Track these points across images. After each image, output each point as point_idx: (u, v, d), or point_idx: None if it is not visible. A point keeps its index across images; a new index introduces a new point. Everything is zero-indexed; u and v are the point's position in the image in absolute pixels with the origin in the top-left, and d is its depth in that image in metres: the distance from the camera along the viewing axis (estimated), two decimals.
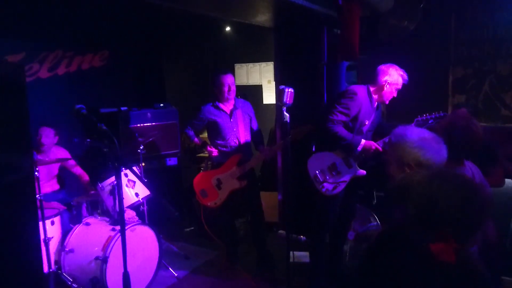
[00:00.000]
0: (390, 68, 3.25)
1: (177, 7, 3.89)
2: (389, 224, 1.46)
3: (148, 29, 5.85)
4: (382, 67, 3.29)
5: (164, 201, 3.77)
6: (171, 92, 6.35)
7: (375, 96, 3.32)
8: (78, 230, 3.44)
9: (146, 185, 3.11)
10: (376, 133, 3.49)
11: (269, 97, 5.83)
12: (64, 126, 4.40)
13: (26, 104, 1.23)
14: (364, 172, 3.36)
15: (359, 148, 3.27)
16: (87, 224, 3.49)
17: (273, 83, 5.52)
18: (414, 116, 3.19)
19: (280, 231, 4.75)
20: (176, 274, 3.81)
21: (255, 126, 4.06)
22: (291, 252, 3.03)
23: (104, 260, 3.14)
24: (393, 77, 3.23)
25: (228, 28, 5.88)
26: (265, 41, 5.48)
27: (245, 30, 5.53)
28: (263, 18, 4.41)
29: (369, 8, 4.19)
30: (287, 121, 2.80)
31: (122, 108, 4.83)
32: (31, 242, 1.26)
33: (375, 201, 4.35)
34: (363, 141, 3.29)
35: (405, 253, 1.15)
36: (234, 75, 5.58)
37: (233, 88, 3.84)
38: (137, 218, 3.83)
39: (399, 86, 3.27)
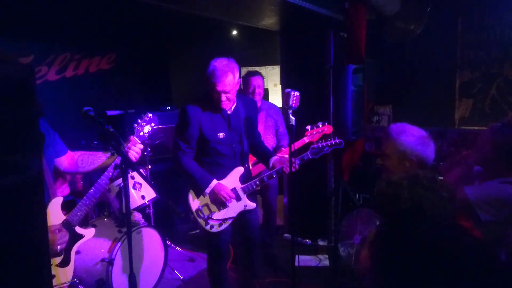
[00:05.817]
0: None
1: (184, 10, 3.92)
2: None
3: (155, 32, 5.89)
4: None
5: (170, 203, 3.76)
6: (177, 95, 6.37)
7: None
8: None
9: (153, 187, 3.11)
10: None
11: (275, 100, 5.84)
12: (72, 128, 4.43)
13: (35, 103, 1.24)
14: (254, 204, 2.91)
15: (207, 191, 2.76)
16: (94, 226, 3.50)
17: (279, 87, 5.53)
18: (420, 119, 3.15)
19: (286, 235, 4.75)
20: (181, 277, 3.81)
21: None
22: (296, 256, 3.01)
23: (110, 262, 3.15)
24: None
25: (234, 31, 5.89)
26: (271, 45, 5.49)
27: (251, 33, 5.54)
28: (269, 21, 4.42)
29: (375, 12, 4.19)
30: (293, 124, 2.79)
31: (129, 111, 4.86)
32: (40, 245, 1.27)
33: None
34: (214, 182, 2.76)
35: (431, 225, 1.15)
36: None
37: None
38: (143, 220, 3.85)
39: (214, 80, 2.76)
